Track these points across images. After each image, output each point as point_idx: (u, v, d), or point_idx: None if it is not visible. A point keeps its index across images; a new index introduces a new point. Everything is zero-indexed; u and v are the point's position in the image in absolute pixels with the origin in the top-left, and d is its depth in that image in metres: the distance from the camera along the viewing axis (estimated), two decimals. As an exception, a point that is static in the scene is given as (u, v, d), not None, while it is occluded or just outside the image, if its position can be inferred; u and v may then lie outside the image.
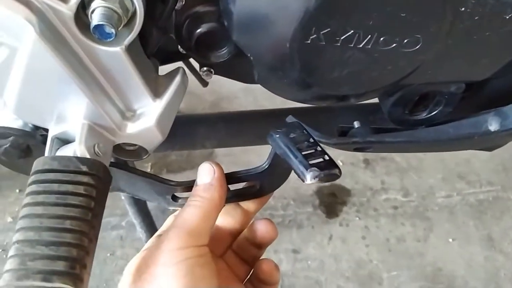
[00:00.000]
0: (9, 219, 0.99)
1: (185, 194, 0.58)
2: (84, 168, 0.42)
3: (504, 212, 1.17)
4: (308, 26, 0.39)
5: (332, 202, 1.14)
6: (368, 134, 0.55)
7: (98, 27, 0.39)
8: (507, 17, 0.42)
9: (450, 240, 1.11)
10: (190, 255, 0.42)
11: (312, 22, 0.38)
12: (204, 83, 0.88)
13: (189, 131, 0.67)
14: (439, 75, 0.48)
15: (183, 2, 0.48)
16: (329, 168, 0.44)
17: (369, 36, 0.41)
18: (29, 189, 0.41)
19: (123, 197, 0.88)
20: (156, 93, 0.50)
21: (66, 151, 0.47)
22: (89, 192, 0.41)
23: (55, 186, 0.40)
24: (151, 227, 0.96)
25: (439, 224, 1.13)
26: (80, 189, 0.41)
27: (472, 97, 0.71)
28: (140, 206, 0.94)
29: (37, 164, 0.42)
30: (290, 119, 0.55)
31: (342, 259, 1.03)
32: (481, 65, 0.48)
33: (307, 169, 0.44)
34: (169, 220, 0.53)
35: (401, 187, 1.20)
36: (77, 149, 0.46)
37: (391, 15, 0.39)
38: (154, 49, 0.50)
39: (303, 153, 0.46)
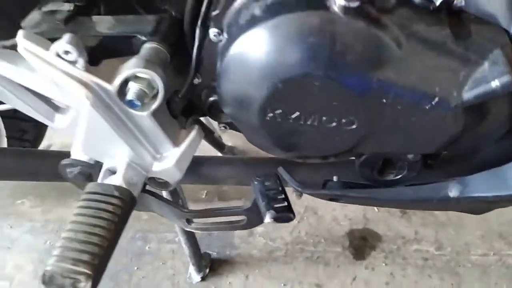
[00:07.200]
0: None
1: (199, 220, 0.75)
2: (116, 193, 0.62)
3: (546, 279, 1.12)
4: (264, 108, 0.54)
5: (361, 245, 1.21)
6: (339, 187, 0.67)
7: (129, 101, 0.58)
8: (427, 107, 0.52)
9: (478, 299, 1.11)
10: None
11: (266, 105, 0.54)
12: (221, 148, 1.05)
13: (214, 170, 0.85)
14: (384, 147, 0.59)
15: (200, 80, 0.66)
16: (284, 212, 0.58)
17: (312, 116, 0.54)
18: (79, 203, 0.61)
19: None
20: (177, 142, 0.69)
21: (110, 180, 0.67)
22: (116, 211, 0.60)
23: (94, 204, 0.60)
24: (194, 245, 1.15)
25: (469, 281, 1.13)
26: (110, 208, 0.60)
27: (465, 162, 0.78)
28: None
29: (88, 187, 0.63)
30: (280, 170, 0.70)
31: (363, 300, 1.10)
32: (420, 142, 0.57)
33: (267, 211, 0.58)
34: None
35: (435, 240, 1.22)
36: (117, 179, 0.66)
37: (324, 103, 0.53)
38: (178, 112, 0.69)
39: (270, 198, 0.60)
